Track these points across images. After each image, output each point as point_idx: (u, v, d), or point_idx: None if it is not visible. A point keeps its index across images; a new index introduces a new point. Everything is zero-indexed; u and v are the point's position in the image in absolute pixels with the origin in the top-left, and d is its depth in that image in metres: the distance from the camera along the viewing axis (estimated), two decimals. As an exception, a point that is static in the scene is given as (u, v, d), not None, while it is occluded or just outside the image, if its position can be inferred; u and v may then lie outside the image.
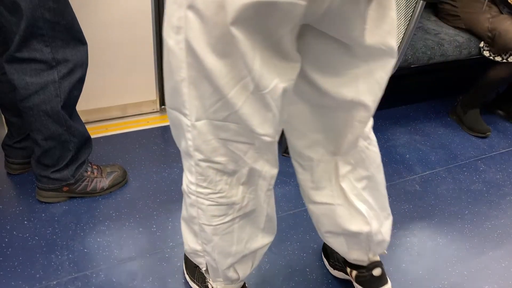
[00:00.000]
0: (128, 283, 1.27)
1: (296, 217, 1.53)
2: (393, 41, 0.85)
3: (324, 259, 1.40)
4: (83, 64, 1.36)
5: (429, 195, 1.72)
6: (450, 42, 2.02)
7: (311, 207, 1.16)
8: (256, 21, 0.69)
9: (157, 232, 1.44)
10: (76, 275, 1.28)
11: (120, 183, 1.60)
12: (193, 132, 0.85)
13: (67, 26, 1.27)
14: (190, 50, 0.75)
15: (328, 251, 1.38)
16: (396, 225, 1.55)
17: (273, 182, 0.98)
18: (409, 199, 1.69)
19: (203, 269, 1.13)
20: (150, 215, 1.50)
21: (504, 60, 1.96)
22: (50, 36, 1.25)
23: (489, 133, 2.12)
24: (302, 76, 0.89)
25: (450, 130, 2.17)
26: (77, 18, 1.33)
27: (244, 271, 1.10)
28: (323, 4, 0.71)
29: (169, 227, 1.46)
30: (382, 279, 1.19)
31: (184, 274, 1.30)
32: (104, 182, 1.56)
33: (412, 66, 1.99)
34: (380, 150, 1.93)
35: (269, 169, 0.93)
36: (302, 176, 1.11)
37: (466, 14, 2.08)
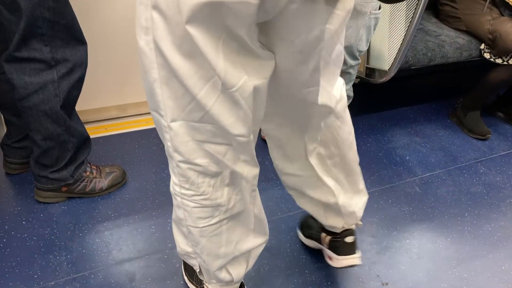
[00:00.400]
0: (126, 284, 1.26)
1: (296, 219, 1.52)
2: (343, 40, 0.89)
3: (298, 231, 1.45)
4: (83, 64, 1.36)
5: (429, 197, 1.71)
6: (450, 44, 2.01)
7: (284, 178, 1.21)
8: (212, 20, 0.70)
9: (156, 233, 1.44)
10: (74, 276, 1.27)
11: (119, 184, 1.60)
12: (170, 133, 0.86)
13: (66, 25, 1.27)
14: (158, 51, 0.76)
15: (303, 224, 1.43)
16: (396, 227, 1.55)
17: (256, 182, 0.98)
18: (408, 201, 1.68)
19: (197, 270, 1.13)
20: (149, 216, 1.50)
21: (505, 62, 1.96)
22: (49, 36, 1.24)
23: (489, 135, 2.11)
24: (284, 86, 0.92)
25: (450, 132, 2.16)
26: (77, 18, 1.32)
27: (237, 272, 1.09)
28: (278, 2, 0.72)
29: (168, 228, 1.46)
30: (353, 247, 1.24)
31: (182, 275, 1.29)
32: (103, 182, 1.55)
33: (412, 67, 1.98)
34: (380, 152, 1.94)
35: (250, 170, 0.94)
36: (275, 153, 1.16)
37: (467, 16, 2.08)
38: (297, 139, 1.08)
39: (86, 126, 1.52)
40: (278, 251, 1.42)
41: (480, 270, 1.41)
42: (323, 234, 1.30)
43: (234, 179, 0.93)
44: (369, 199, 1.66)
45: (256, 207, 1.04)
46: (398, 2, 1.24)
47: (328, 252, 1.29)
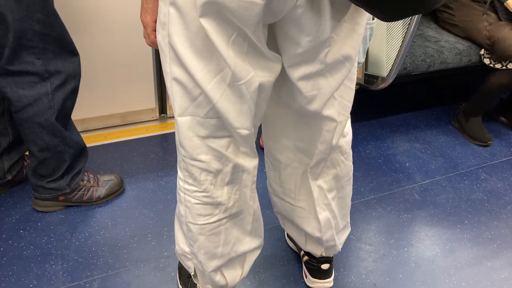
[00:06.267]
0: (121, 293, 1.27)
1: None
2: (353, 51, 0.88)
3: (286, 232, 1.46)
4: (76, 75, 1.36)
5: (428, 204, 1.70)
6: (450, 49, 2.00)
7: (274, 199, 1.24)
8: (222, 16, 0.74)
9: (152, 241, 1.44)
10: (69, 285, 1.28)
11: (117, 192, 1.60)
12: (177, 126, 0.90)
13: (57, 37, 1.27)
14: (172, 45, 0.81)
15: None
16: (394, 235, 1.54)
17: (256, 173, 1.01)
18: (407, 209, 1.67)
19: (192, 273, 1.14)
20: (146, 225, 1.50)
21: (504, 67, 1.94)
22: (40, 48, 1.25)
23: (490, 142, 2.09)
24: (289, 86, 0.92)
25: (451, 138, 2.15)
26: (77, 28, 1.33)
27: (232, 277, 1.09)
28: (284, 5, 0.74)
29: (164, 236, 1.46)
30: (328, 272, 1.29)
31: (177, 284, 1.29)
32: (101, 191, 1.56)
33: (412, 74, 1.98)
34: (380, 158, 1.93)
35: (250, 161, 0.97)
36: (271, 173, 1.20)
37: (464, 22, 2.07)
38: (296, 168, 1.11)
39: (86, 135, 1.53)
40: (274, 259, 1.41)
41: (479, 278, 1.40)
42: (302, 252, 1.33)
43: (234, 175, 0.96)
44: (367, 207, 1.66)
45: (255, 203, 1.07)
46: (396, 20, 1.26)
47: (304, 268, 1.34)
